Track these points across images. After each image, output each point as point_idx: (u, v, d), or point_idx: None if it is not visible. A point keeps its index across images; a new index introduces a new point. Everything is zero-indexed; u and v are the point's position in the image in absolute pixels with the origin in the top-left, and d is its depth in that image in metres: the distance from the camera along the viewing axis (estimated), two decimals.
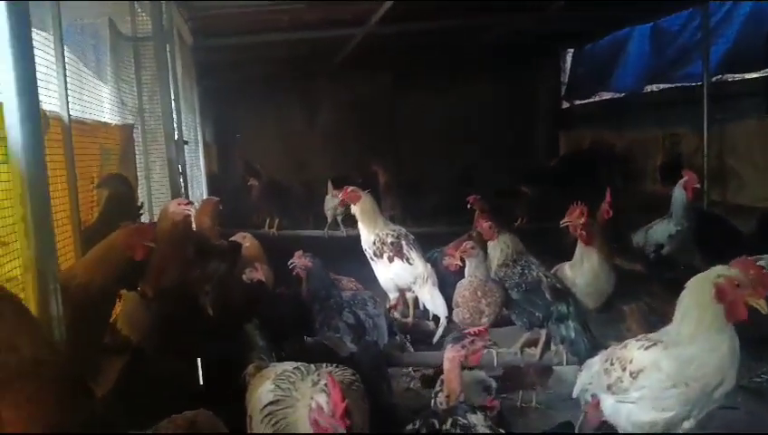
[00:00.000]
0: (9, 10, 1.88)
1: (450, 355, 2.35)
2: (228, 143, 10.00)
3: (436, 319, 3.96)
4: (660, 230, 4.76)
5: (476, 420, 2.03)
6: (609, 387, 2.20)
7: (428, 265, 3.79)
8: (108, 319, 2.79)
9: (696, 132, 7.32)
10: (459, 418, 2.03)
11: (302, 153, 10.24)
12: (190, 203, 3.18)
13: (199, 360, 3.05)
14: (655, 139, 8.21)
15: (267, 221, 7.63)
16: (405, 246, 3.73)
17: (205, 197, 7.19)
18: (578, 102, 10.12)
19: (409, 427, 2.11)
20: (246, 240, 4.29)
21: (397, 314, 3.88)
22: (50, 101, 3.12)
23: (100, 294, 2.46)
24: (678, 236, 4.63)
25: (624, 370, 2.12)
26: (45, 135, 2.43)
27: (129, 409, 2.65)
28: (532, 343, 3.55)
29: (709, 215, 5.36)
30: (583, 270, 3.39)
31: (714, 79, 7.04)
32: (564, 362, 3.43)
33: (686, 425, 2.07)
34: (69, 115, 3.22)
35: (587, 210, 3.51)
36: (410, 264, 3.69)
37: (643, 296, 3.43)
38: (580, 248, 3.44)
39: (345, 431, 1.74)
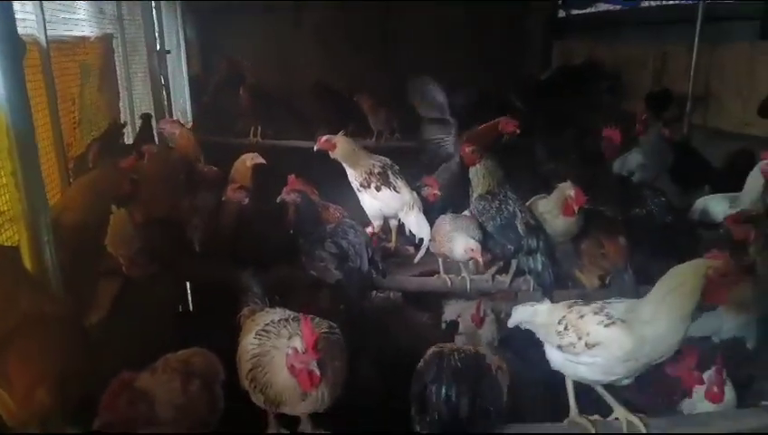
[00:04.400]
0: None
1: None
2: (211, 42, 9.63)
3: (418, 245, 4.13)
4: (632, 158, 4.91)
5: None
6: (559, 346, 2.33)
7: (414, 193, 3.91)
8: (102, 248, 2.91)
9: (687, 53, 7.24)
10: None
11: (290, 55, 9.91)
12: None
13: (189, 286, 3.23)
14: (645, 56, 8.11)
15: (252, 130, 7.45)
16: (391, 176, 3.83)
17: (188, 106, 7.12)
18: (575, 12, 9.83)
19: None
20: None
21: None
22: (26, 23, 3.04)
23: (96, 231, 2.57)
24: (647, 167, 4.79)
25: (580, 339, 2.23)
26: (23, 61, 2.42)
27: (125, 334, 2.85)
28: (503, 270, 3.79)
29: (681, 146, 5.46)
30: (557, 220, 3.48)
31: None
32: (531, 289, 3.66)
33: (626, 381, 2.29)
34: (47, 38, 3.15)
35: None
36: (397, 192, 3.80)
37: (596, 234, 3.57)
38: (559, 204, 3.47)
39: (317, 364, 1.86)
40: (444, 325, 4.08)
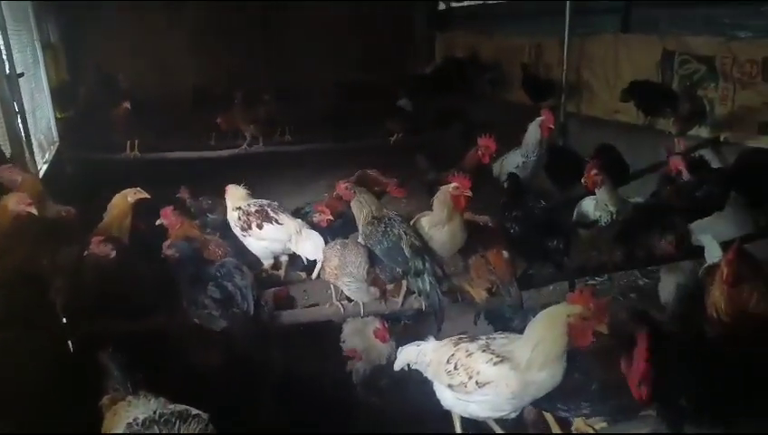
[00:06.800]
0: None
1: None
2: (79, 46, 8.90)
3: (308, 268, 4.06)
4: (511, 160, 5.08)
5: None
6: (450, 386, 2.37)
7: (297, 219, 3.83)
8: None
9: (559, 44, 7.61)
10: None
11: (165, 56, 9.36)
12: (31, 204, 2.91)
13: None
14: (522, 47, 8.44)
15: (129, 143, 6.93)
16: (270, 212, 3.73)
17: (53, 124, 6.55)
18: (455, 4, 10.02)
19: None
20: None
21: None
22: None
23: None
24: (525, 167, 4.98)
25: (470, 378, 2.27)
26: None
27: None
28: (395, 292, 3.80)
29: (555, 147, 5.73)
30: (442, 231, 3.50)
31: None
32: (423, 308, 3.69)
33: (513, 415, 2.38)
34: None
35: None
36: (280, 224, 3.71)
37: (481, 249, 3.66)
38: (444, 209, 3.46)
39: None
40: (342, 344, 4.08)
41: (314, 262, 3.90)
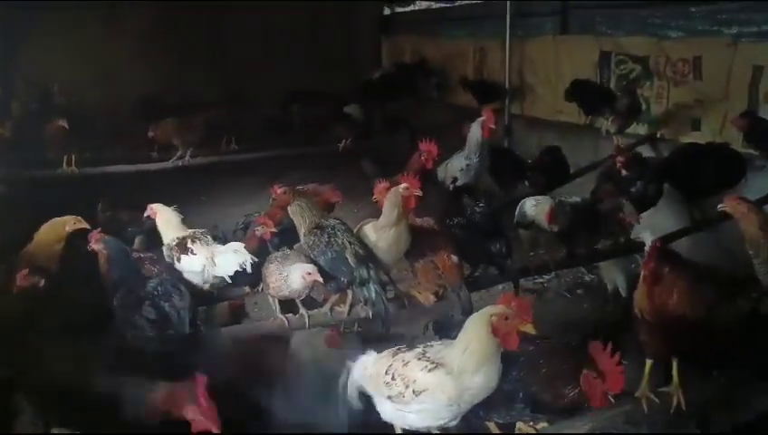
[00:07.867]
0: None
1: None
2: (11, 57, 8.52)
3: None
4: (455, 164, 5.09)
5: None
6: (389, 397, 2.34)
7: (210, 246, 3.73)
8: None
9: (502, 47, 7.72)
10: None
11: (106, 66, 9.04)
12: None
13: None
14: (465, 51, 8.53)
15: (65, 158, 6.58)
16: (189, 243, 3.68)
17: None
18: (399, 9, 10.08)
19: None
20: None
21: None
22: None
23: None
24: (469, 170, 4.99)
25: (407, 387, 2.25)
26: None
27: None
28: (341, 301, 3.76)
29: (497, 149, 5.80)
30: (388, 235, 3.45)
31: None
32: (370, 316, 3.65)
33: (453, 423, 2.35)
34: None
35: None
36: (194, 254, 3.64)
37: (428, 252, 3.65)
38: (394, 210, 3.39)
39: None
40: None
41: (258, 274, 3.83)
